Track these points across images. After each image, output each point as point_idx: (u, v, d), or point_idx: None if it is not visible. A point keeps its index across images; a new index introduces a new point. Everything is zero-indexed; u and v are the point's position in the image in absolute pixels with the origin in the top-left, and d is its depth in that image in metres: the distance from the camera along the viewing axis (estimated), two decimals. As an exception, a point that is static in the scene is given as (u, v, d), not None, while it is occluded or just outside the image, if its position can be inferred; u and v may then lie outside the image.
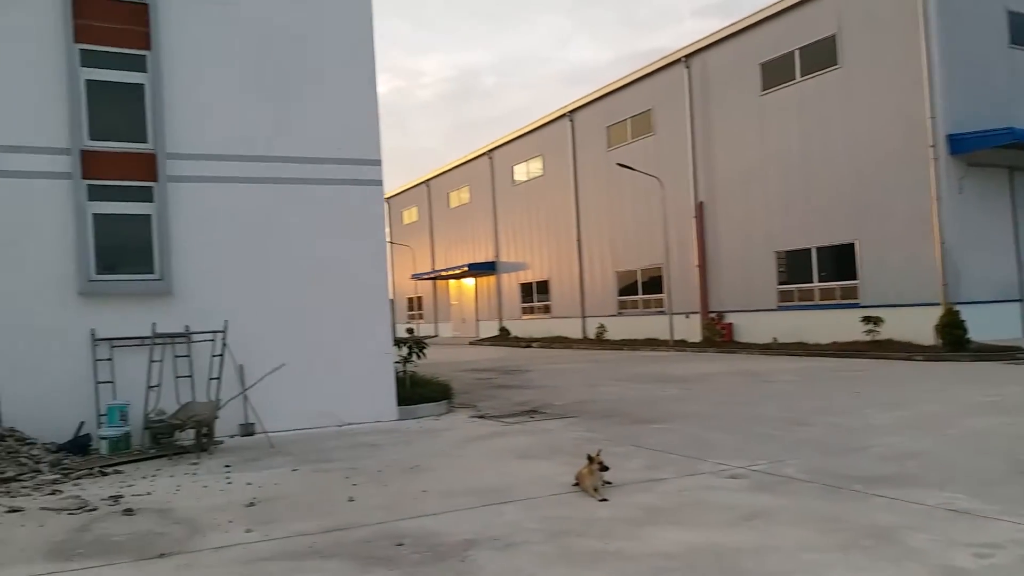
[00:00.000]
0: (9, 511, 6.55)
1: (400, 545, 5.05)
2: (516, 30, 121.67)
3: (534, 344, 31.62)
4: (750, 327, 23.96)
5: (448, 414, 11.63)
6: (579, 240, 32.41)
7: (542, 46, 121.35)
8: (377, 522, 5.66)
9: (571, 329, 32.79)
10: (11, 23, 9.60)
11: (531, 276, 36.46)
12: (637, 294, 29.34)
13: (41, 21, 9.70)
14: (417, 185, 48.89)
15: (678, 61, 26.61)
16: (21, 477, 7.85)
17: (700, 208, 25.89)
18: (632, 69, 29.75)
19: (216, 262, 10.45)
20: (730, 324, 24.66)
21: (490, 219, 39.51)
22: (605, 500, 5.98)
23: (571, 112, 32.66)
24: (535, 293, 36.24)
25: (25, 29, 9.65)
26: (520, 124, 40.72)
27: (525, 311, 37.07)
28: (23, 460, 8.36)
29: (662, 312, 27.33)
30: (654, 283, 28.33)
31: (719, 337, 24.37)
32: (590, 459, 6.29)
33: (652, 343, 26.49)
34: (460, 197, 43.51)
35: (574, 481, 6.46)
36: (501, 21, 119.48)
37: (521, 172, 37.15)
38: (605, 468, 6.26)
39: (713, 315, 25.29)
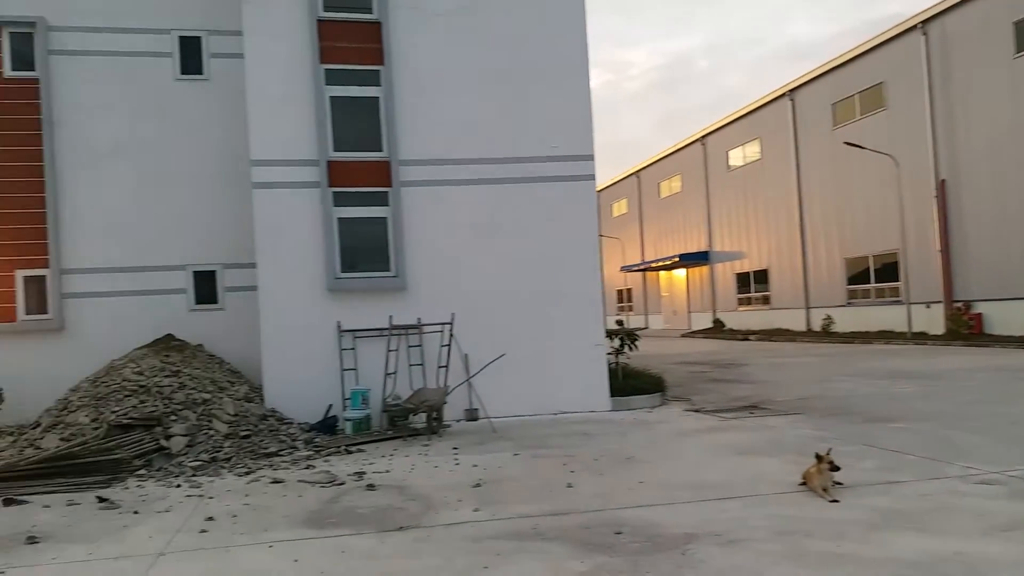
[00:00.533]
0: (273, 482, 7.46)
1: (619, 533, 5.12)
2: (730, 12, 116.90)
3: (751, 337, 30.34)
4: (1005, 318, 21.29)
5: (661, 407, 11.53)
6: (802, 226, 30.59)
7: (758, 25, 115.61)
8: (595, 509, 5.77)
9: (793, 321, 31.07)
10: (269, 51, 10.85)
11: (748, 265, 34.99)
12: (869, 282, 27.14)
13: (293, 46, 10.88)
14: (626, 177, 48.68)
15: (914, 28, 24.22)
16: (281, 452, 8.89)
17: (942, 187, 23.41)
18: (858, 41, 27.53)
19: (443, 259, 11.16)
20: (979, 314, 22.09)
21: (703, 207, 38.43)
22: (836, 501, 5.66)
23: (791, 91, 30.87)
24: (752, 283, 34.73)
25: (280, 55, 10.88)
26: (734, 108, 39.12)
27: (741, 302, 35.67)
28: (282, 438, 9.46)
29: (898, 302, 25.07)
30: (888, 270, 26.05)
31: (966, 329, 21.91)
32: (819, 458, 5.97)
33: (886, 336, 24.39)
34: (671, 186, 42.73)
35: (800, 480, 6.17)
36: (713, 4, 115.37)
37: (737, 157, 35.74)
38: (836, 468, 5.91)
39: (959, 304, 22.79)
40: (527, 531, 5.30)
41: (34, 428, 9.49)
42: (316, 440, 9.62)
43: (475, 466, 7.69)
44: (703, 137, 38.33)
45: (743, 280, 35.55)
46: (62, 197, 12.47)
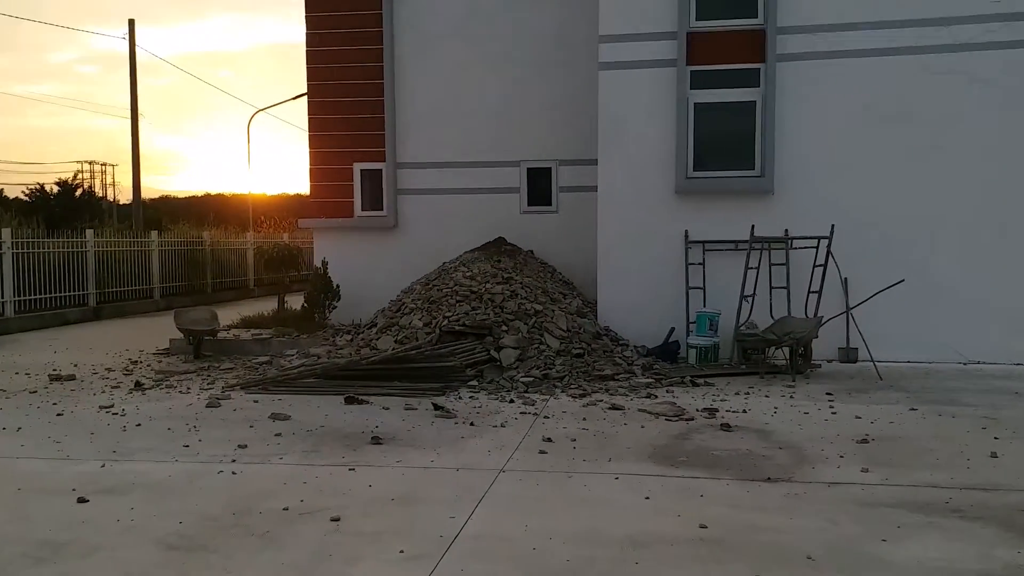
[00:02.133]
0: (611, 408, 7.80)
1: (1075, 525, 4.53)
2: None
3: None
4: None
5: None
6: None
7: None
8: (1036, 489, 5.19)
9: None
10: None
11: None
12: None
13: None
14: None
15: None
16: (617, 376, 9.25)
17: None
18: None
19: (826, 155, 10.49)
20: None
21: None
22: None
23: None
24: None
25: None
26: None
27: None
28: (618, 360, 9.83)
29: None
30: None
31: None
32: None
33: None
34: None
35: None
36: None
37: None
38: None
39: None
40: (937, 504, 4.93)
41: (370, 328, 10.94)
42: (655, 367, 9.85)
43: (858, 417, 7.34)
44: None
45: None
46: (400, 85, 13.76)
